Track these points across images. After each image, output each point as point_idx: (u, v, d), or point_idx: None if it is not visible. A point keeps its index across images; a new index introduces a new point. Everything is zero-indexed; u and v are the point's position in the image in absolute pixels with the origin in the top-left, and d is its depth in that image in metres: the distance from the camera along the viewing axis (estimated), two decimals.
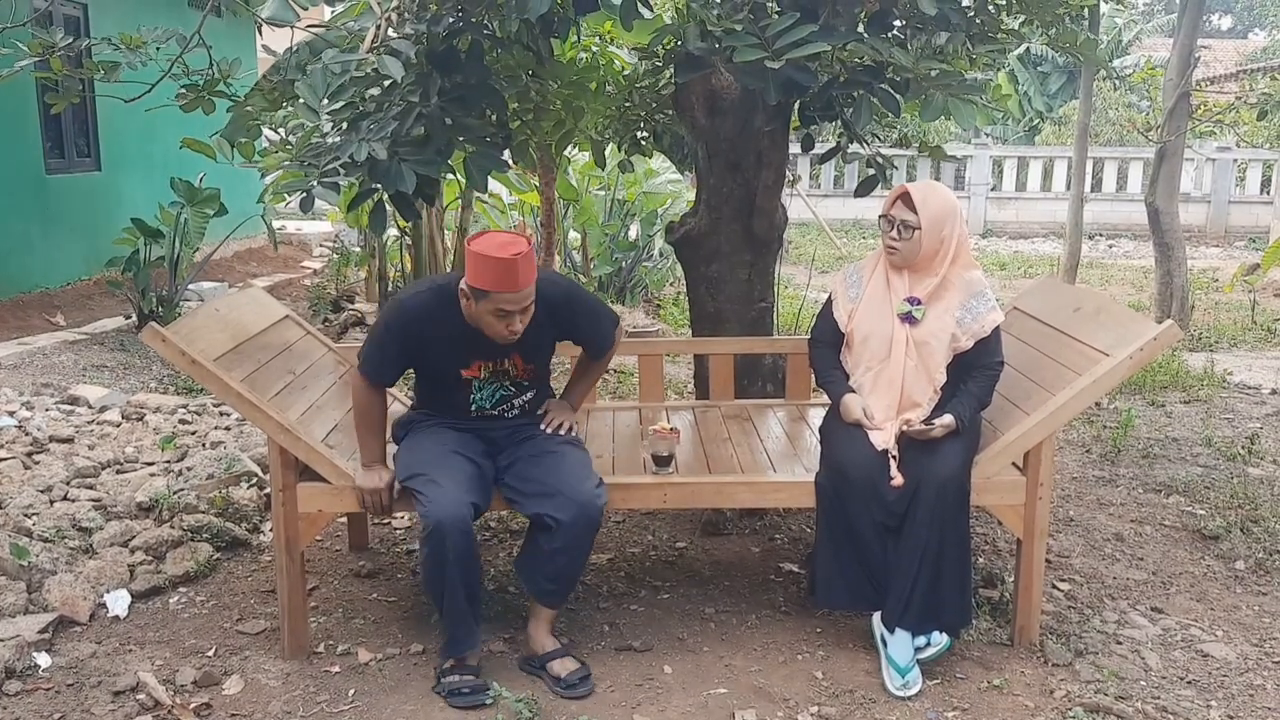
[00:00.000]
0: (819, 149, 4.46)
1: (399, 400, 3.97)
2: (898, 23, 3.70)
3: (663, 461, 3.27)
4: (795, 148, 4.66)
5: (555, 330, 3.18)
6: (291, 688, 3.04)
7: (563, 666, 3.03)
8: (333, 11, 4.13)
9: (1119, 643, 3.33)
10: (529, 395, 3.22)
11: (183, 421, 5.41)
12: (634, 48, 4.72)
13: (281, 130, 3.89)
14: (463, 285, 2.93)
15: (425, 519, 2.92)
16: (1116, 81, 20.58)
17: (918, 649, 3.08)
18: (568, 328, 3.22)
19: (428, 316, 3.03)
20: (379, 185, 3.22)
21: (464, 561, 2.95)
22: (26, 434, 4.99)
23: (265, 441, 3.51)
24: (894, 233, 3.17)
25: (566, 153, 7.27)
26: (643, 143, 4.90)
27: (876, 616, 3.16)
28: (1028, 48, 20.47)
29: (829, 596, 3.21)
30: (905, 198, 3.16)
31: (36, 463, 4.64)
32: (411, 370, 3.22)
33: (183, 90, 3.77)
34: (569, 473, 3.03)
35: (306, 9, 3.57)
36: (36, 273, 8.62)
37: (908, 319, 3.17)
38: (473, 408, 3.15)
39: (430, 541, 2.92)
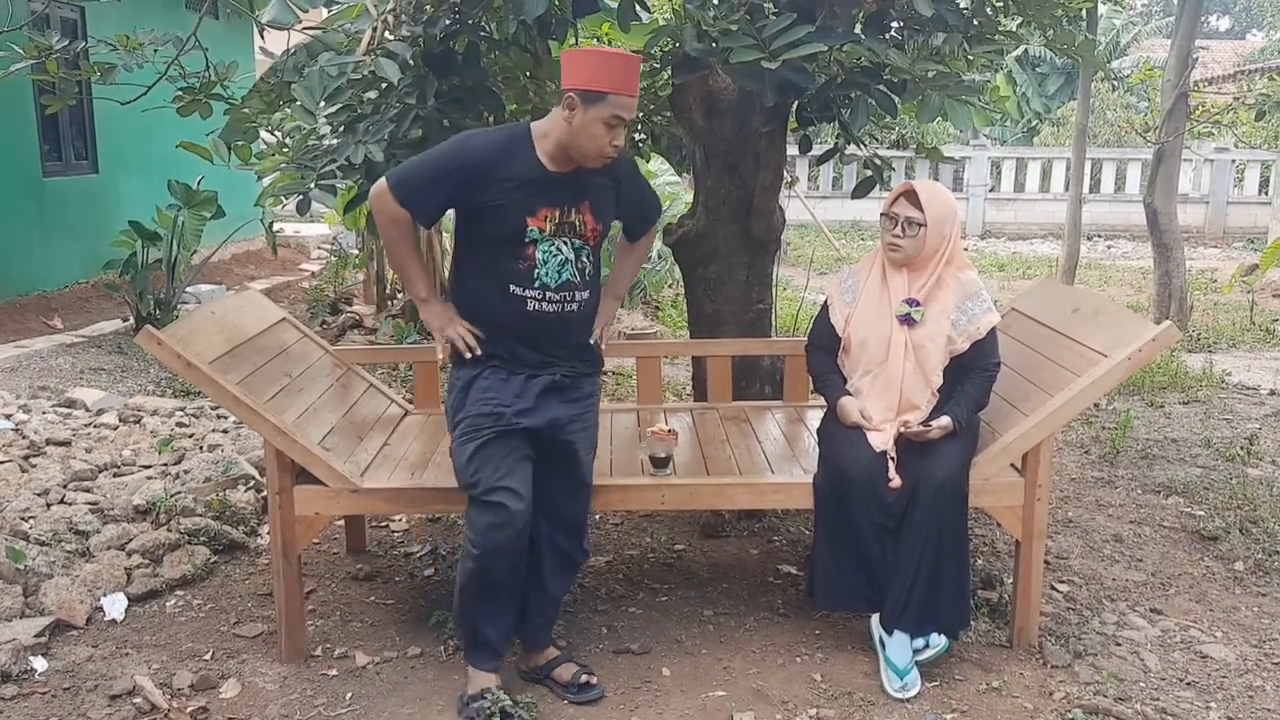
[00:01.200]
0: (817, 150, 4.46)
1: (395, 402, 3.96)
2: (895, 24, 3.70)
3: (661, 463, 3.26)
4: (793, 149, 4.65)
5: (618, 194, 2.95)
6: (289, 691, 3.03)
7: (567, 671, 3.01)
8: (330, 13, 4.12)
9: (1118, 644, 3.33)
10: (588, 293, 2.89)
11: (180, 424, 5.40)
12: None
13: (279, 133, 3.88)
14: (570, 95, 2.66)
15: (487, 536, 2.78)
16: (1115, 82, 20.62)
17: (916, 651, 3.08)
18: (628, 193, 2.99)
19: (501, 152, 2.76)
20: None
21: (516, 579, 2.90)
22: (23, 437, 4.98)
23: (262, 444, 3.50)
24: (898, 230, 3.16)
25: None
26: (640, 145, 4.90)
27: (875, 618, 3.16)
28: (1025, 49, 20.47)
29: (828, 598, 3.21)
30: (910, 195, 3.15)
31: (33, 466, 4.63)
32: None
33: (180, 93, 3.76)
34: (573, 505, 2.98)
35: (306, 11, 3.57)
36: (34, 275, 8.61)
37: (906, 320, 3.17)
38: (536, 284, 2.79)
39: (489, 558, 2.80)
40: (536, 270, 2.80)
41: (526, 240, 2.78)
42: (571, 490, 2.97)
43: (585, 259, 2.88)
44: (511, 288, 2.81)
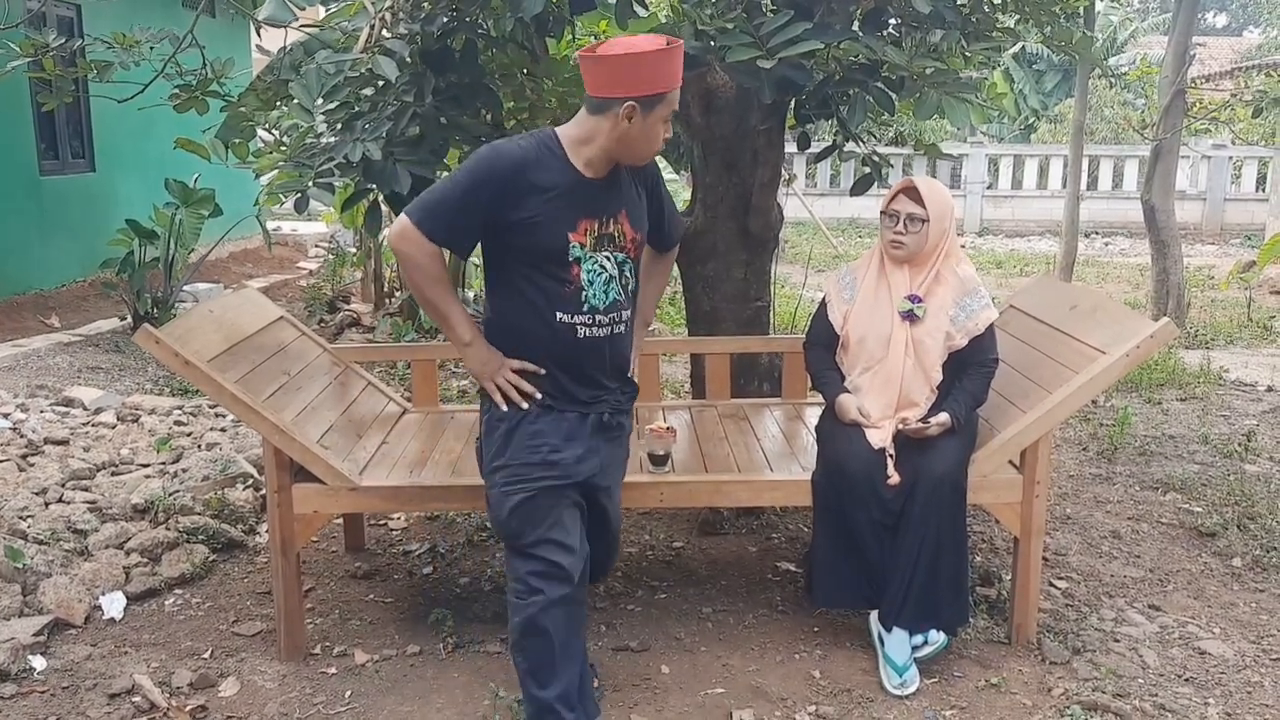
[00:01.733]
0: (815, 148, 4.45)
1: (394, 400, 3.96)
2: (893, 21, 3.70)
3: (659, 461, 3.26)
4: (791, 146, 4.65)
5: (647, 200, 2.70)
6: (288, 689, 3.03)
7: None
8: (327, 10, 4.12)
9: (1116, 640, 3.33)
10: (630, 312, 2.66)
11: (178, 423, 5.40)
12: None
13: (276, 131, 3.88)
14: (630, 104, 2.40)
15: (534, 587, 2.54)
16: (1112, 79, 20.61)
17: (915, 648, 3.08)
18: (654, 200, 2.74)
19: (534, 159, 2.48)
20: (374, 185, 3.22)
21: (574, 636, 2.63)
22: (21, 436, 4.97)
23: (261, 442, 3.50)
24: (900, 227, 3.16)
25: None
26: None
27: (874, 615, 3.16)
28: (1023, 46, 20.48)
29: (826, 595, 3.21)
30: (911, 191, 3.15)
31: (31, 465, 4.63)
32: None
33: (176, 91, 3.76)
34: (601, 546, 2.78)
35: (303, 9, 3.56)
36: (31, 274, 8.61)
37: (909, 317, 3.16)
38: (584, 308, 2.53)
39: (538, 610, 2.54)
40: (584, 292, 2.53)
41: (570, 259, 2.51)
42: (599, 530, 2.76)
43: (628, 273, 2.62)
44: (558, 315, 2.53)
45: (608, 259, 2.56)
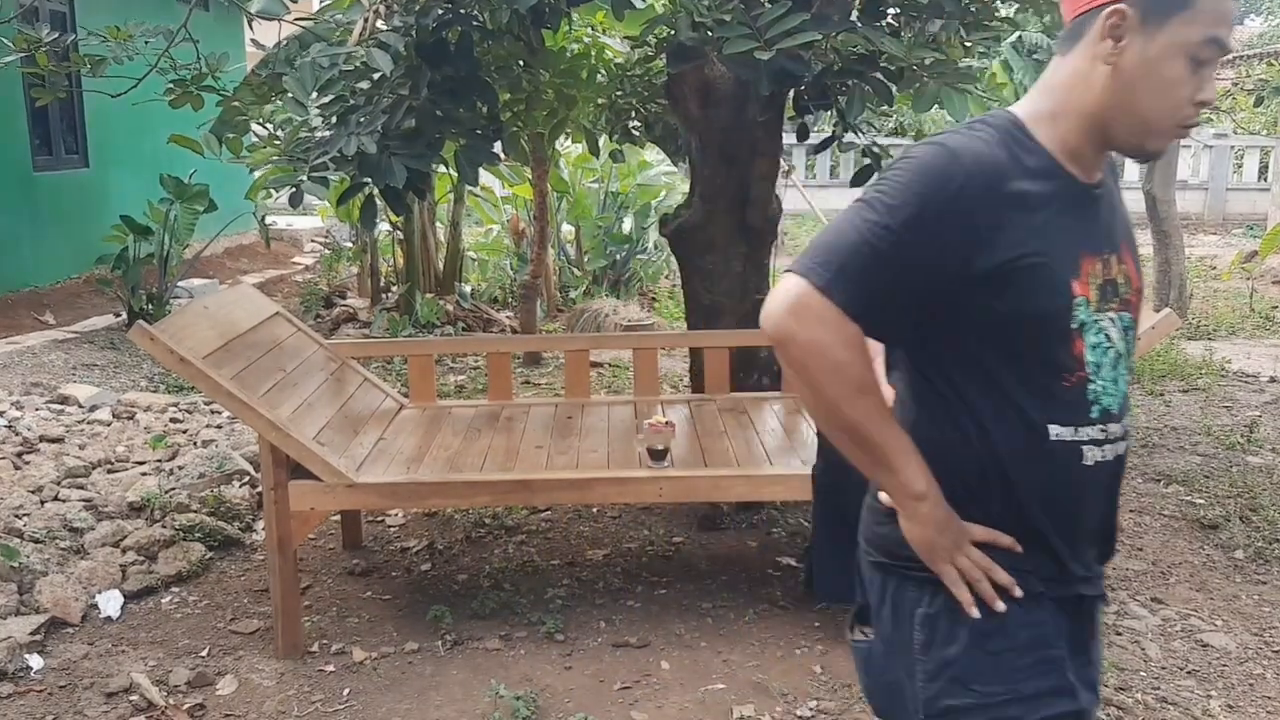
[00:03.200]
0: (814, 139, 4.43)
1: (390, 396, 3.94)
2: (891, 10, 3.68)
3: (658, 455, 3.24)
4: (790, 138, 4.63)
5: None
6: (286, 687, 3.01)
7: None
8: (321, 4, 4.09)
9: (1119, 633, 3.32)
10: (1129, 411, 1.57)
11: (174, 420, 5.38)
12: (626, 37, 4.70)
13: (270, 125, 3.85)
14: (1116, 10, 1.35)
15: None
16: None
17: None
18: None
19: (1010, 164, 1.40)
20: (369, 179, 3.20)
21: None
22: (16, 434, 4.95)
23: (257, 439, 3.48)
24: None
25: (558, 146, 7.25)
26: (634, 132, 4.88)
27: None
28: (1021, 35, 20.43)
29: (827, 590, 3.18)
30: None
31: (26, 463, 4.61)
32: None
33: (171, 86, 3.74)
34: None
35: (296, 1, 3.54)
36: (25, 271, 8.57)
37: None
38: (1094, 412, 1.46)
39: None
40: (1091, 385, 1.46)
41: (1072, 325, 1.43)
42: None
43: (1131, 345, 1.53)
44: (1053, 431, 1.45)
45: (1112, 322, 1.47)
